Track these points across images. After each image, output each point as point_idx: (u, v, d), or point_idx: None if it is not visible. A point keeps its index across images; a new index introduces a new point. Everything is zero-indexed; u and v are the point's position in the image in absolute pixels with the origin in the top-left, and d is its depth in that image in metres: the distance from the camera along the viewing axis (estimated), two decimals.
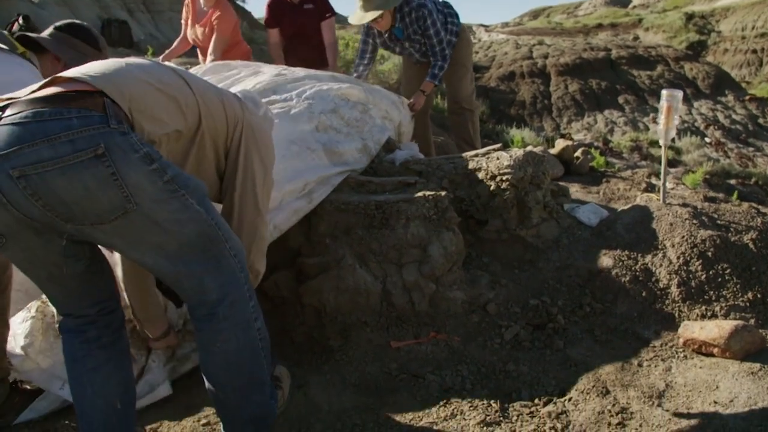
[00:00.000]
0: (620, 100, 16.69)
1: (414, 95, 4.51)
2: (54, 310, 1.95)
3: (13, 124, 1.50)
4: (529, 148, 3.52)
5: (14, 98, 1.59)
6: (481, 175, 3.22)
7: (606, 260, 3.01)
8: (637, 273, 2.93)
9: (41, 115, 1.51)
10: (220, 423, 2.04)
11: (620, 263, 2.98)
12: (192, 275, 1.79)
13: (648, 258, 2.98)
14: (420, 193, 2.88)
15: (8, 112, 1.53)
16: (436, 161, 3.38)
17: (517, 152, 3.29)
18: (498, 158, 3.24)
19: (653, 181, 4.92)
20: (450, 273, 2.80)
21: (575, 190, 4.40)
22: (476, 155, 3.39)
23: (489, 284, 2.92)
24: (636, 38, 24.75)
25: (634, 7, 35.24)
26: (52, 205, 1.54)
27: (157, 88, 1.79)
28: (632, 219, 3.27)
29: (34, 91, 1.60)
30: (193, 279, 1.80)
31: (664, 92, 3.41)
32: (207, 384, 1.95)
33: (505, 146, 8.07)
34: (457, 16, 4.76)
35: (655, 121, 15.45)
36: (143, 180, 1.61)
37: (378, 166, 3.31)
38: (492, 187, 3.15)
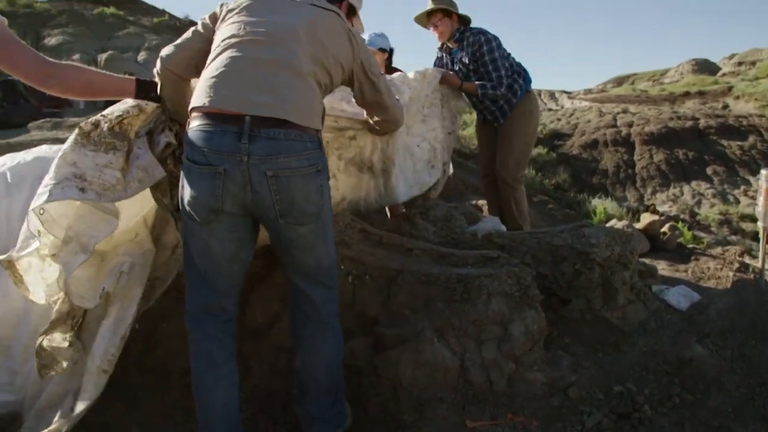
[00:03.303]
0: (708, 171, 16.14)
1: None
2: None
3: (268, 138, 2.05)
4: (613, 221, 3.43)
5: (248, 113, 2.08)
6: (565, 252, 3.14)
7: (697, 348, 2.85)
8: (733, 364, 2.76)
9: (288, 135, 2.08)
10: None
11: (713, 352, 2.82)
12: (326, 285, 2.38)
13: (745, 348, 2.81)
14: (503, 269, 2.84)
15: (257, 125, 2.05)
16: (520, 236, 3.33)
17: (603, 229, 3.21)
18: (584, 235, 3.17)
19: (746, 260, 4.68)
20: (531, 353, 2.72)
21: (662, 267, 4.23)
22: (561, 231, 3.32)
23: (571, 366, 2.81)
24: (726, 107, 24.04)
25: (724, 74, 34.35)
26: (283, 200, 2.10)
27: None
28: (727, 304, 3.11)
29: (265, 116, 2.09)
30: (325, 288, 2.37)
31: (763, 172, 3.26)
32: (300, 390, 2.45)
33: (587, 216, 7.90)
34: (526, 80, 4.62)
35: (746, 193, 14.83)
36: (328, 194, 2.26)
37: (460, 238, 3.30)
38: (577, 265, 3.07)
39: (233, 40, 2.24)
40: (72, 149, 2.22)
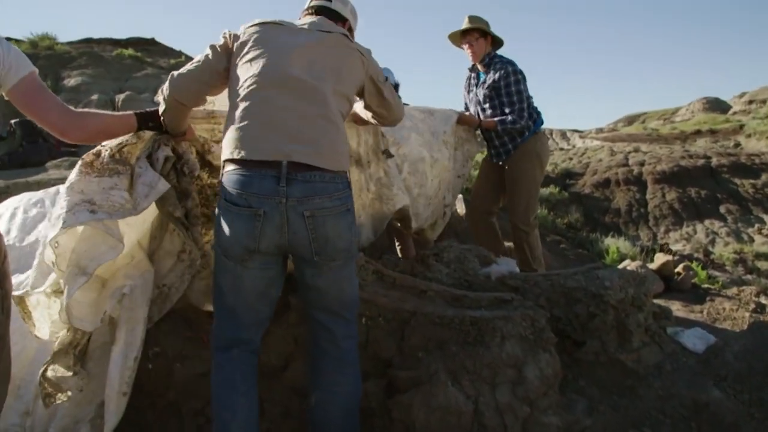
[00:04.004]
0: (722, 209, 16.06)
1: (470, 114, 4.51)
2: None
3: (305, 181, 2.19)
4: (627, 261, 3.42)
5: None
6: (579, 294, 3.13)
7: (714, 391, 2.82)
8: (750, 408, 2.72)
9: (323, 177, 2.23)
10: None
11: (730, 396, 2.79)
12: (347, 319, 2.44)
13: (763, 392, 2.78)
14: (517, 311, 2.84)
15: (293, 169, 2.19)
16: (533, 278, 3.33)
17: (617, 271, 3.21)
18: (597, 277, 3.17)
19: (762, 300, 4.62)
20: (545, 396, 2.69)
21: (676, 308, 4.19)
22: (575, 273, 3.32)
23: (586, 410, 2.79)
24: (737, 145, 24.02)
25: (735, 112, 34.37)
26: (318, 239, 2.23)
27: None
28: (743, 347, 3.08)
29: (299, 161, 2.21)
30: (346, 322, 2.43)
31: None
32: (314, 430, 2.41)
33: (600, 256, 7.85)
34: (537, 121, 4.59)
35: (760, 232, 14.71)
36: (355, 230, 2.36)
37: (473, 280, 3.30)
38: (591, 308, 3.06)
39: (258, 83, 2.30)
40: (77, 179, 2.30)
